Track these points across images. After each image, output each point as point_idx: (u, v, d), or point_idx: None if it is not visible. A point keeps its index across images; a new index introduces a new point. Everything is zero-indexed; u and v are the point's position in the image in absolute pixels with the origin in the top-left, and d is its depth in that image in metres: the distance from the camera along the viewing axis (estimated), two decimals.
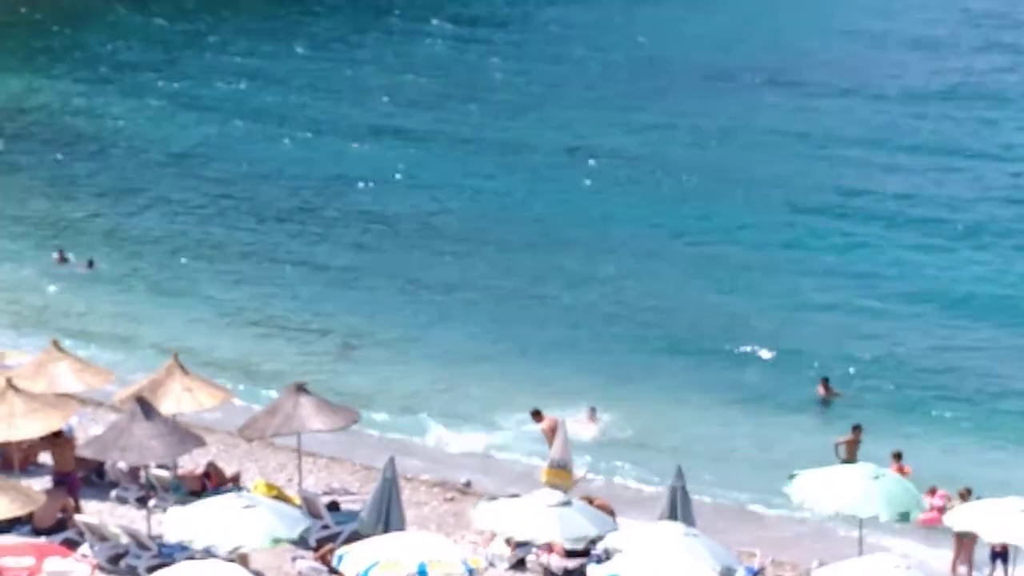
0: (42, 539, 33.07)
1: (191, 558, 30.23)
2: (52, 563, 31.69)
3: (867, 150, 67.19)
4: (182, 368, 37.75)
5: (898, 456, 38.05)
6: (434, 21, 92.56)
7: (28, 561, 31.65)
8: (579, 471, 36.89)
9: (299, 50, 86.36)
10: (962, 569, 33.60)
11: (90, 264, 54.02)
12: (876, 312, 49.99)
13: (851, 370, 45.42)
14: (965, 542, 33.34)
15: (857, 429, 39.31)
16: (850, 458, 37.79)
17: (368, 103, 74.98)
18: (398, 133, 69.82)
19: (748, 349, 47.20)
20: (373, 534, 31.96)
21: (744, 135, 69.81)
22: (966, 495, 35.04)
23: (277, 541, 31.21)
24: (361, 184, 63.02)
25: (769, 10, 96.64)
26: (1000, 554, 33.12)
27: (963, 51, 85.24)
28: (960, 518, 32.56)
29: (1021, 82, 78.71)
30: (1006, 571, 33.10)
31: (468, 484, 38.83)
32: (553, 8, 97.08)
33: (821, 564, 31.77)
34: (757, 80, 79.04)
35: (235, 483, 36.65)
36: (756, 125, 71.22)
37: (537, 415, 39.29)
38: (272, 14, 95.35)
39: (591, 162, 65.79)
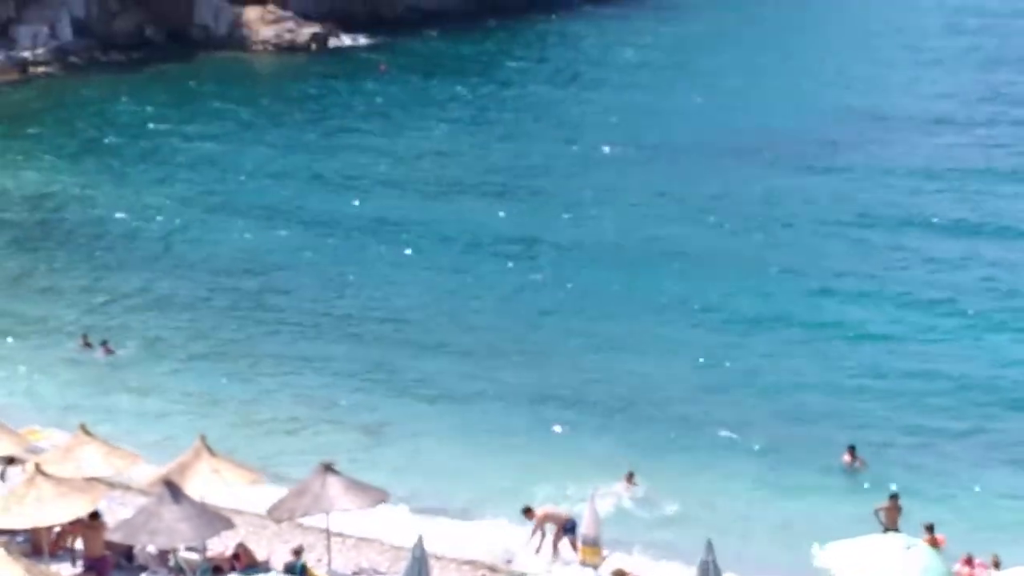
0: None
1: None
2: None
3: (879, 229, 67.10)
4: (209, 450, 37.71)
5: (930, 528, 37.89)
6: (431, 109, 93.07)
7: None
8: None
9: (308, 137, 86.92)
10: None
11: (105, 346, 53.95)
12: (894, 392, 49.54)
13: (874, 444, 45.07)
14: None
15: (895, 497, 39.15)
16: (891, 525, 37.71)
17: (369, 193, 75.04)
18: (398, 222, 69.62)
19: (771, 425, 47.03)
20: None
21: (753, 215, 69.84)
22: (997, 563, 34.90)
23: None
24: (367, 275, 62.94)
25: (773, 85, 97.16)
26: None
27: (976, 126, 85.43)
28: None
29: None
30: None
31: (509, 562, 38.55)
32: (544, 90, 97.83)
33: None
34: (761, 160, 79.31)
35: (297, 556, 36.32)
36: (763, 205, 71.33)
37: (528, 512, 39.05)
38: (279, 104, 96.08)
39: (594, 245, 65.78)
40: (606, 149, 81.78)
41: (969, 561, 35.90)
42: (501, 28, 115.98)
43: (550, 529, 38.45)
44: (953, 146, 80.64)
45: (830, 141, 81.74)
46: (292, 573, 35.15)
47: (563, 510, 38.54)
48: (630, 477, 42.74)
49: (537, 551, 38.41)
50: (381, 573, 36.28)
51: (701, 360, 52.34)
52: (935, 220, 67.20)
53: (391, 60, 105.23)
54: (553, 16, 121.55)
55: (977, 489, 42.32)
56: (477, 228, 68.17)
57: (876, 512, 38.69)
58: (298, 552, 36.35)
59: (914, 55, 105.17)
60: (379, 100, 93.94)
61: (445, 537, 38.44)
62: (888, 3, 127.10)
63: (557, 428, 46.96)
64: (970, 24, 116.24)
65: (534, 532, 38.75)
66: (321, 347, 54.25)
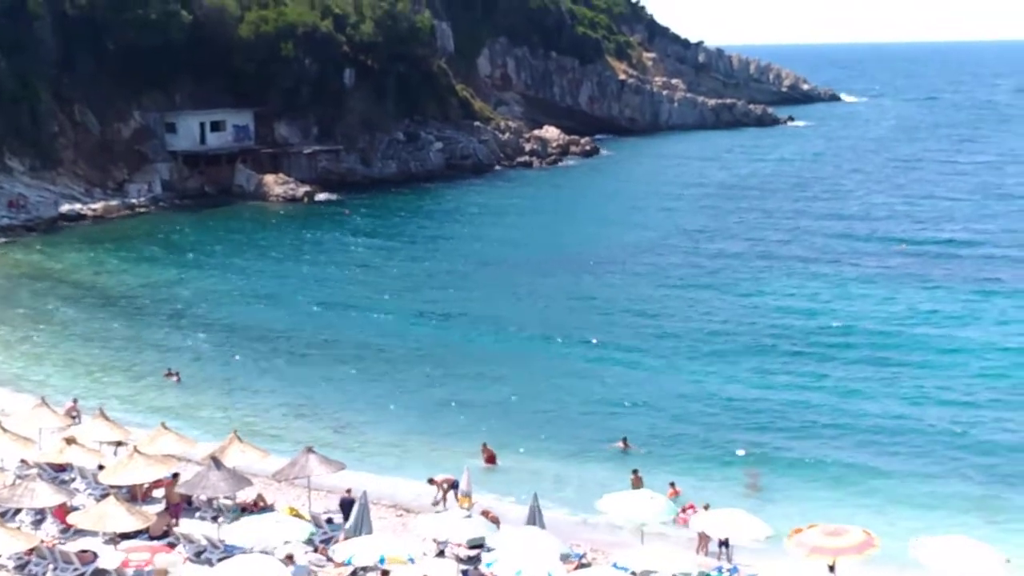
0: (154, 542, 32.71)
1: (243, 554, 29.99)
2: (160, 557, 31.36)
3: (621, 300, 66.81)
4: (239, 438, 37.71)
5: (672, 484, 38.40)
6: (374, 239, 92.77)
7: (145, 555, 31.34)
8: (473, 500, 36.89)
9: (296, 251, 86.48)
10: (702, 552, 33.65)
11: (176, 376, 53.54)
12: (645, 403, 49.65)
13: (645, 434, 45.35)
14: (703, 536, 33.50)
15: (635, 471, 39.34)
16: (637, 487, 37.82)
17: (331, 283, 75.60)
18: (339, 298, 70.10)
19: (574, 426, 47.12)
20: (354, 537, 31.80)
21: (541, 296, 69.63)
22: (707, 507, 35.20)
23: (296, 542, 31.10)
24: (321, 333, 62.83)
25: (565, 225, 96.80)
26: (724, 543, 33.28)
27: (680, 251, 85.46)
28: (699, 522, 32.96)
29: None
30: (728, 553, 33.18)
31: (436, 503, 38.34)
32: (437, 227, 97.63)
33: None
34: (553, 268, 78.87)
35: (349, 493, 35.75)
36: (554, 291, 71.06)
37: (431, 481, 39.13)
38: (282, 233, 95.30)
39: (458, 313, 65.86)
40: (467, 262, 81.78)
41: (684, 509, 36.11)
42: (418, 191, 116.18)
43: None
44: (675, 262, 79.81)
45: (592, 260, 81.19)
46: (345, 506, 35.04)
47: (450, 476, 38.51)
48: (484, 446, 42.73)
49: (435, 503, 38.44)
50: (341, 513, 36.03)
51: (528, 385, 52.29)
52: (649, 304, 66.96)
53: (352, 208, 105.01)
54: (433, 185, 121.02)
55: (694, 463, 42.66)
56: (394, 305, 68.02)
57: (631, 480, 38.97)
58: (349, 491, 36.02)
59: (647, 209, 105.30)
60: (343, 232, 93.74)
61: (380, 491, 38.44)
62: (630, 186, 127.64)
63: (449, 429, 46.76)
64: (685, 192, 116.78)
65: (437, 492, 38.69)
66: (294, 379, 53.85)
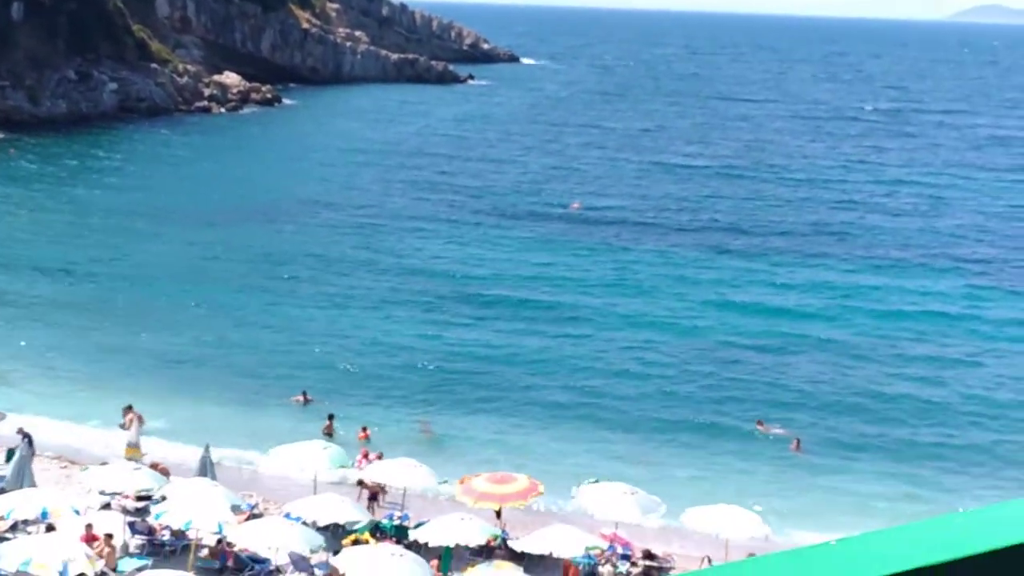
0: None
1: None
2: None
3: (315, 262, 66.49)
4: None
5: (364, 428, 38.86)
6: (41, 181, 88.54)
7: None
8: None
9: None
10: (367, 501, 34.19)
11: None
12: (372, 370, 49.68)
13: (328, 386, 45.13)
14: (371, 486, 34.00)
15: (331, 417, 39.46)
16: (328, 433, 38.09)
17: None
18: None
19: (263, 379, 46.43)
20: (14, 489, 30.50)
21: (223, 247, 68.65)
22: (380, 456, 35.58)
23: None
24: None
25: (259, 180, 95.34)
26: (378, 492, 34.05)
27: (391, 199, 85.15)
28: (367, 473, 33.41)
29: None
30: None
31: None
32: (110, 172, 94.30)
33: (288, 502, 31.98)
34: (238, 218, 77.84)
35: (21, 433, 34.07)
36: (224, 245, 70.09)
37: (127, 410, 37.83)
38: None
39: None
40: (137, 209, 78.52)
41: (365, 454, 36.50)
42: (90, 133, 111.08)
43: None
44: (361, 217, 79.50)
45: (265, 213, 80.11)
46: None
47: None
48: (129, 409, 40.74)
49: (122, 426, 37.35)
50: None
51: (201, 336, 51.05)
52: (342, 251, 66.94)
53: (18, 148, 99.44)
54: (107, 126, 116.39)
55: (368, 412, 42.59)
56: (58, 253, 64.96)
57: (323, 431, 38.89)
58: (21, 430, 34.50)
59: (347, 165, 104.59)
60: (6, 173, 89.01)
61: (42, 440, 36.83)
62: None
63: (116, 379, 45.08)
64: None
65: (125, 420, 37.31)
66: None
